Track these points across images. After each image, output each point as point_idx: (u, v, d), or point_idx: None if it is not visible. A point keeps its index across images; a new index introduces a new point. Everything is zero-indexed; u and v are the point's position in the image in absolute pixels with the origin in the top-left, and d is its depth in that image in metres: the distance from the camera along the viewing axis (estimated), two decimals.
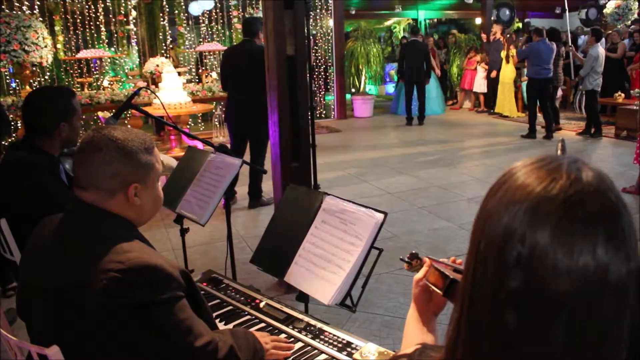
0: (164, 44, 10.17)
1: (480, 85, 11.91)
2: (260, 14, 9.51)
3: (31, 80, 8.21)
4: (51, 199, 2.31)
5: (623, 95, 9.32)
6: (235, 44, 9.00)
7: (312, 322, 1.81)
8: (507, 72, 10.85)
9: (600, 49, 8.76)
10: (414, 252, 1.29)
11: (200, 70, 10.11)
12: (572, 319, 0.63)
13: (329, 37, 11.49)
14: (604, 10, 12.72)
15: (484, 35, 11.85)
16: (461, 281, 0.75)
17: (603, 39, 9.54)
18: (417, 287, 1.21)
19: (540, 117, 9.00)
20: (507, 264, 0.65)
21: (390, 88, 14.61)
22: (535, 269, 0.63)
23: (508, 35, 11.01)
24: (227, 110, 5.68)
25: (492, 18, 12.49)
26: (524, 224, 0.64)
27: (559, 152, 1.24)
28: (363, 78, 12.18)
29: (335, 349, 1.66)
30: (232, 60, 5.49)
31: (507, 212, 0.66)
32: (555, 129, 8.98)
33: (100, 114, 8.35)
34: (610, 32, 10.71)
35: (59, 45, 9.40)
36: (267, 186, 5.70)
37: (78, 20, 9.51)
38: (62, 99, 2.49)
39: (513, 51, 10.55)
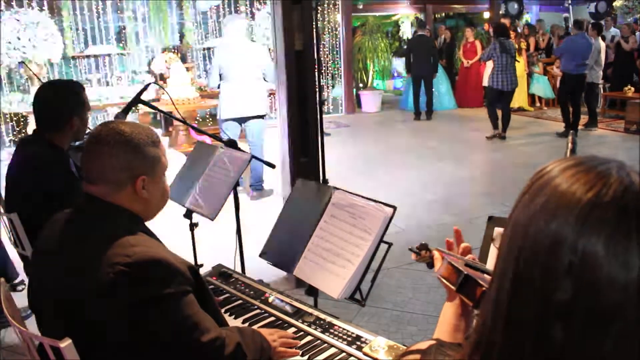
0: (172, 40, 10.19)
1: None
2: (268, 9, 9.51)
3: (40, 77, 8.26)
4: (64, 193, 2.32)
5: (633, 89, 9.27)
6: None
7: (322, 316, 1.82)
8: (518, 65, 10.77)
9: (602, 43, 8.83)
10: (423, 242, 1.28)
11: (208, 66, 10.13)
12: (623, 331, 0.60)
13: (337, 32, 11.46)
14: (614, 3, 12.62)
15: (491, 30, 11.76)
16: (492, 285, 0.71)
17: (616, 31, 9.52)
18: None
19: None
20: (556, 274, 0.61)
21: (398, 83, 14.55)
22: (587, 279, 0.60)
23: (520, 29, 10.94)
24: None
25: (500, 12, 12.41)
26: (575, 232, 0.61)
27: (569, 144, 1.24)
28: (371, 73, 12.15)
29: (345, 342, 1.67)
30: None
31: (555, 219, 0.62)
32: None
33: (108, 109, 8.39)
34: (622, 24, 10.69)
35: (67, 42, 9.44)
36: (276, 181, 5.71)
37: (87, 17, 9.54)
38: (73, 93, 2.50)
39: (523, 44, 10.48)
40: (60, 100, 2.46)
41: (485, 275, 1.09)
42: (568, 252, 0.61)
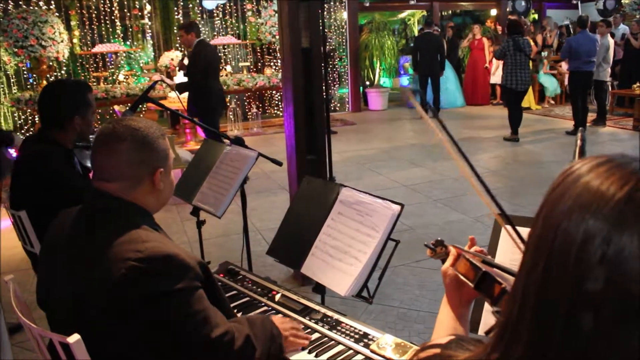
0: (178, 38, 10.21)
1: (496, 77, 11.80)
2: (274, 7, 9.52)
3: (48, 75, 8.31)
4: (69, 188, 2.34)
5: None
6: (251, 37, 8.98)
7: (329, 313, 1.82)
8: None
9: (611, 40, 8.80)
10: (439, 239, 1.28)
11: None
12: None
13: (343, 30, 11.45)
14: (622, 0, 12.52)
15: (499, 27, 11.73)
16: (519, 280, 0.72)
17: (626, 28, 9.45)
18: (447, 277, 1.20)
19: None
20: (589, 264, 0.62)
21: (405, 81, 14.53)
22: (620, 270, 0.61)
23: (526, 27, 10.90)
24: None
25: (508, 9, 12.35)
26: (608, 226, 0.62)
27: (578, 141, 1.23)
28: (377, 71, 12.13)
29: (352, 340, 1.67)
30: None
31: (588, 213, 0.64)
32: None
33: (116, 107, 8.43)
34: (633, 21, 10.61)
35: (75, 40, 9.48)
36: (283, 178, 5.73)
37: (93, 15, 9.59)
38: (77, 93, 2.50)
39: (531, 42, 10.44)
40: (65, 98, 2.47)
41: (503, 273, 1.08)
42: (601, 245, 0.62)
